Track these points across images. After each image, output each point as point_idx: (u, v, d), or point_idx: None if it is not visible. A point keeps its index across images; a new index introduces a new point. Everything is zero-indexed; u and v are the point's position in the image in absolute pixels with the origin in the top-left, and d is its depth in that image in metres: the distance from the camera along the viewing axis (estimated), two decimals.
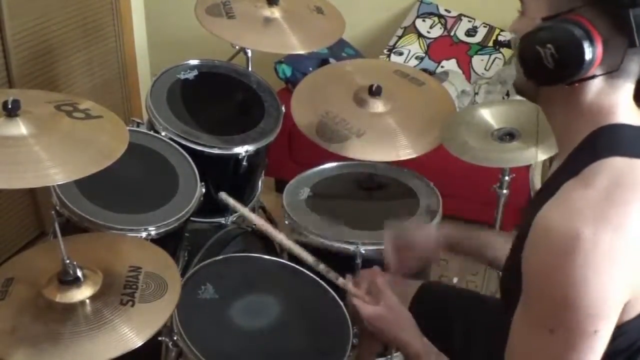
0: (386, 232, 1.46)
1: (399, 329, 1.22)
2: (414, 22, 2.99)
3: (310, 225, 1.80)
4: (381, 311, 1.24)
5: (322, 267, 1.41)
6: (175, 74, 2.06)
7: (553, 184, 0.94)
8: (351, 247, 1.74)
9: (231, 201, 1.60)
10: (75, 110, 1.32)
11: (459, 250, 1.44)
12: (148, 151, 1.85)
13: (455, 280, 2.19)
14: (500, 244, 1.32)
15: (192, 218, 1.80)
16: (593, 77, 0.92)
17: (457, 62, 2.88)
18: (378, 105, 1.91)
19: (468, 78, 2.82)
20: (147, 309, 1.32)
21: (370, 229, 1.81)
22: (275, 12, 2.01)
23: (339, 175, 2.07)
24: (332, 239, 1.76)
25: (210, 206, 1.94)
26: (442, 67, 2.87)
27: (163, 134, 1.89)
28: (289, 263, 1.69)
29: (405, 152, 1.85)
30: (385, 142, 1.86)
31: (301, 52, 2.08)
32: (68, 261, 1.32)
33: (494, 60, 2.84)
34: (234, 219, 2.08)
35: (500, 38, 2.86)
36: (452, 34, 2.93)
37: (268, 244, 2.03)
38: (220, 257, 1.67)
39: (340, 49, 2.90)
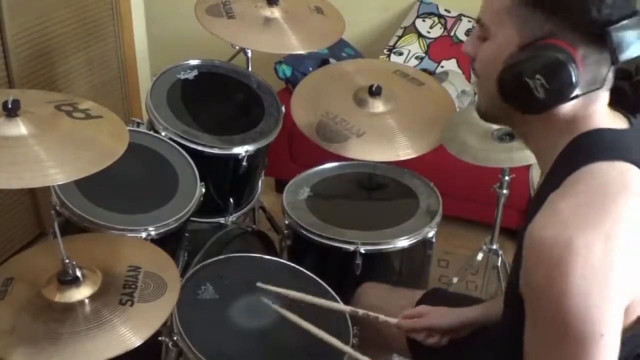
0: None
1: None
2: (414, 22, 2.99)
3: (310, 225, 1.80)
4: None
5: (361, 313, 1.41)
6: (175, 74, 2.06)
7: (539, 199, 0.93)
8: (351, 247, 1.75)
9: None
10: (75, 110, 1.32)
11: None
12: (148, 151, 1.85)
13: (455, 280, 2.19)
14: None
15: (192, 218, 1.80)
16: (576, 96, 0.91)
17: (457, 62, 2.88)
18: (378, 105, 1.91)
19: (468, 78, 2.82)
20: (146, 309, 1.32)
21: (370, 229, 1.81)
22: (275, 12, 2.01)
23: (339, 175, 2.07)
24: (332, 239, 1.76)
25: (210, 206, 1.94)
26: (442, 67, 2.88)
27: (163, 134, 1.89)
28: (289, 263, 1.69)
29: (405, 152, 1.85)
30: (385, 142, 1.86)
31: (301, 52, 2.08)
32: (67, 261, 1.32)
33: None
34: (234, 219, 2.08)
35: None
36: (452, 34, 2.93)
37: (268, 244, 2.04)
38: (220, 257, 1.67)
39: (340, 49, 2.90)
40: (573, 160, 0.92)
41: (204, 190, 1.81)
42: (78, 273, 1.33)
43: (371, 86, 1.91)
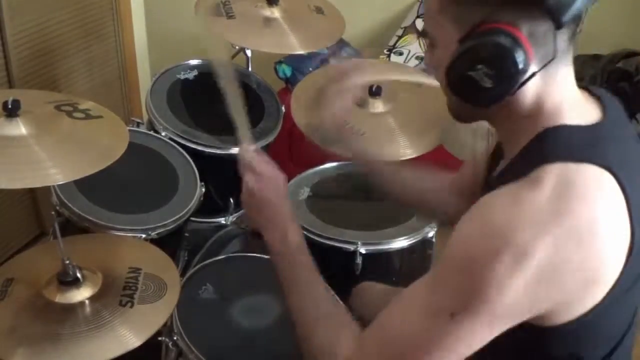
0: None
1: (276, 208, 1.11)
2: (414, 22, 2.98)
3: (310, 225, 1.80)
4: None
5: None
6: (175, 74, 2.06)
7: (497, 183, 0.90)
8: (351, 247, 1.74)
9: None
10: (75, 111, 1.32)
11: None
12: (148, 151, 1.85)
13: None
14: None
15: (192, 218, 1.80)
16: (533, 75, 0.87)
17: None
18: (378, 105, 1.91)
19: None
20: (146, 311, 1.32)
21: (369, 229, 1.81)
22: (275, 12, 2.00)
23: (338, 175, 2.07)
24: (332, 238, 1.76)
25: (210, 206, 1.94)
26: None
27: (163, 134, 1.89)
28: None
29: (405, 152, 1.84)
30: (385, 142, 1.86)
31: (301, 52, 2.08)
32: (68, 262, 1.32)
33: None
34: (234, 219, 2.08)
35: None
36: None
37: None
38: (220, 257, 1.67)
39: (340, 49, 2.90)
40: (539, 155, 0.87)
41: (204, 190, 1.81)
42: (78, 274, 1.33)
43: (371, 86, 1.90)
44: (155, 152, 1.86)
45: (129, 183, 1.78)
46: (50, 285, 1.33)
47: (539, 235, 0.81)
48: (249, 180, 1.14)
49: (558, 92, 0.91)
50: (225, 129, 1.97)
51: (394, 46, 2.97)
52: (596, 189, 0.85)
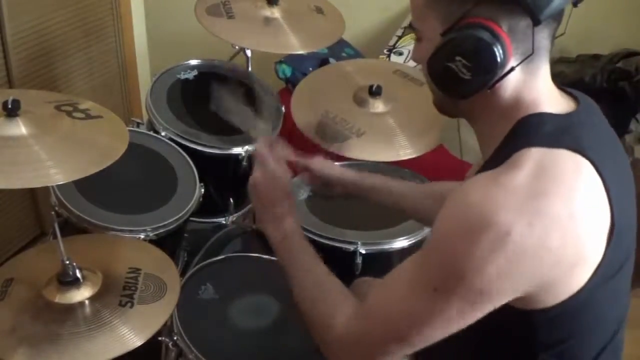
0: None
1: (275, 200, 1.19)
2: None
3: (310, 226, 1.80)
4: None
5: None
6: (175, 74, 2.06)
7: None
8: (351, 247, 1.75)
9: None
10: (75, 111, 1.32)
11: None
12: (148, 151, 1.85)
13: None
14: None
15: (191, 218, 1.80)
16: (512, 69, 0.90)
17: None
18: (378, 105, 1.91)
19: None
20: (146, 311, 1.32)
21: (370, 229, 1.81)
22: (275, 12, 2.00)
23: None
24: (332, 239, 1.76)
25: (210, 206, 1.94)
26: None
27: (163, 134, 1.89)
28: None
29: (405, 152, 1.84)
30: (385, 142, 1.86)
31: (301, 52, 2.08)
32: (68, 262, 1.32)
33: None
34: (234, 219, 2.08)
35: None
36: None
37: (268, 244, 2.03)
38: (220, 257, 1.67)
39: (340, 49, 2.90)
40: (515, 143, 0.90)
41: (203, 190, 1.81)
42: (78, 274, 1.33)
43: (371, 86, 1.90)
44: (155, 152, 1.86)
45: (129, 183, 1.78)
46: (50, 286, 1.33)
47: (517, 216, 0.83)
48: (257, 175, 1.21)
49: (536, 87, 0.94)
50: (225, 129, 1.97)
51: (394, 46, 2.96)
52: (573, 171, 0.87)
